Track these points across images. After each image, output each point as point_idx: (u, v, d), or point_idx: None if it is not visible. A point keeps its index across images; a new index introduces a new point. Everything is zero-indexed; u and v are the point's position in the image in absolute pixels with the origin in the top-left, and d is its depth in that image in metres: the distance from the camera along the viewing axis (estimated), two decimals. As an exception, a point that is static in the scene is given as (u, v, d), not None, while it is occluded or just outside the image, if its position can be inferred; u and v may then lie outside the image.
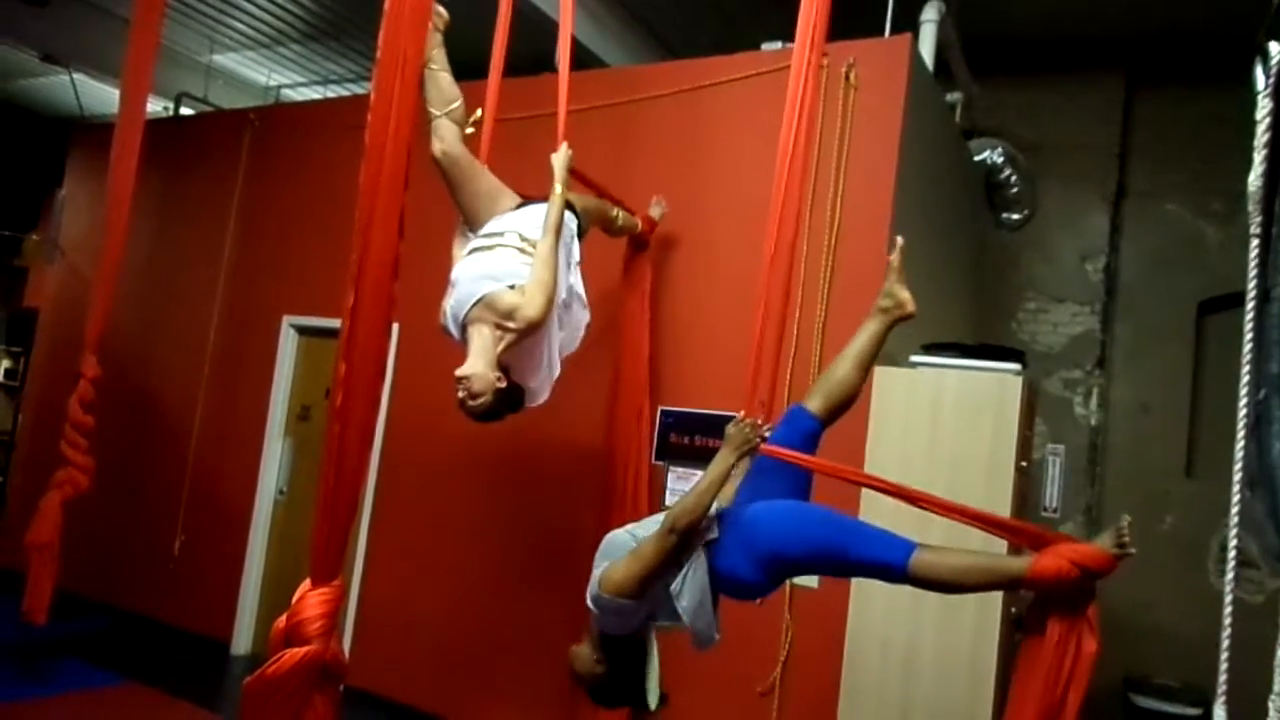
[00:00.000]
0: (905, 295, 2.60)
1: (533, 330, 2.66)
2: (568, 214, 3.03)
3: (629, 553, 2.21)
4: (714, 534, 2.22)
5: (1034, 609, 2.05)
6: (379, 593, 4.88)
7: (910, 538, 2.13)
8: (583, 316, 3.06)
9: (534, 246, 2.77)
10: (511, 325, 2.62)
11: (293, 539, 5.35)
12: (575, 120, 4.52)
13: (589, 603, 2.25)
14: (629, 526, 2.42)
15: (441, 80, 2.89)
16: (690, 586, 2.21)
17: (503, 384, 2.62)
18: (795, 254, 2.47)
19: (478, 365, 2.61)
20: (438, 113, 2.87)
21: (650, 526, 2.34)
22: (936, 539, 2.20)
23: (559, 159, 2.99)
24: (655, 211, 4.06)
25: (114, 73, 5.65)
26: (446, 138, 2.85)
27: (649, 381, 3.97)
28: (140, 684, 4.68)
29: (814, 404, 2.46)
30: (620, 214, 3.74)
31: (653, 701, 2.30)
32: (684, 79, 4.33)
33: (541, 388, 2.90)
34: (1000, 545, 2.70)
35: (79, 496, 3.40)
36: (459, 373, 2.60)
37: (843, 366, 2.49)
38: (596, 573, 2.25)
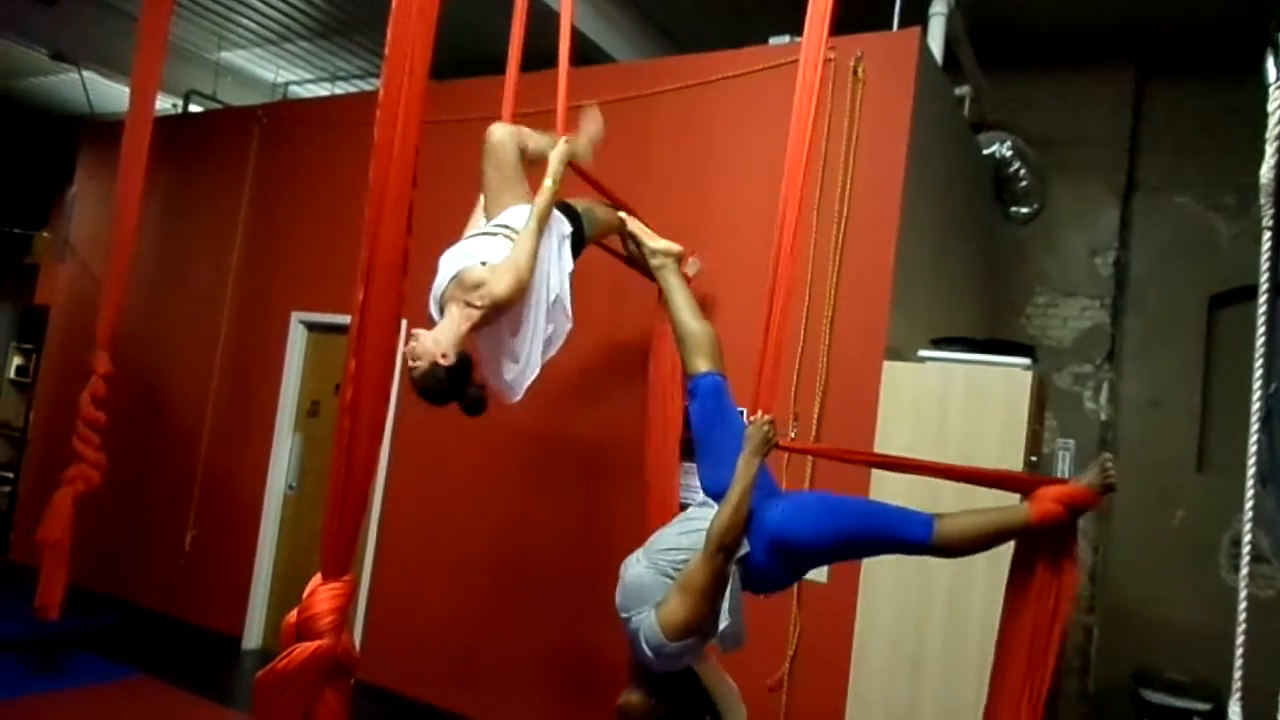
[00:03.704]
0: (663, 242, 2.84)
1: (499, 309, 2.55)
2: (561, 215, 2.95)
3: (678, 589, 2.11)
4: (746, 548, 2.17)
5: (1022, 546, 2.23)
6: (389, 587, 4.90)
7: (923, 511, 2.23)
8: (565, 325, 2.92)
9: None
10: (477, 302, 2.50)
11: (303, 534, 5.37)
12: (575, 118, 4.54)
13: (648, 653, 2.12)
14: (637, 556, 2.30)
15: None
16: (732, 600, 2.16)
17: (447, 361, 2.45)
18: (802, 254, 2.46)
19: (434, 334, 2.49)
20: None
21: (665, 547, 2.25)
22: (947, 508, 2.30)
23: (555, 154, 2.88)
24: (691, 269, 3.73)
25: (124, 70, 5.67)
26: (508, 128, 2.89)
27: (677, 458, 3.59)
28: (153, 678, 4.71)
29: (708, 364, 2.63)
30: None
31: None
32: (691, 74, 4.33)
33: (515, 383, 2.78)
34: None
35: (91, 492, 3.42)
36: (413, 331, 2.49)
37: (694, 324, 2.70)
38: (646, 620, 2.12)
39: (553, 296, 2.78)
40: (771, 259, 2.34)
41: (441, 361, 2.44)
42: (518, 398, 2.83)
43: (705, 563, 2.08)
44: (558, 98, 3.03)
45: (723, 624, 2.13)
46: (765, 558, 2.19)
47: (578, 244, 3.02)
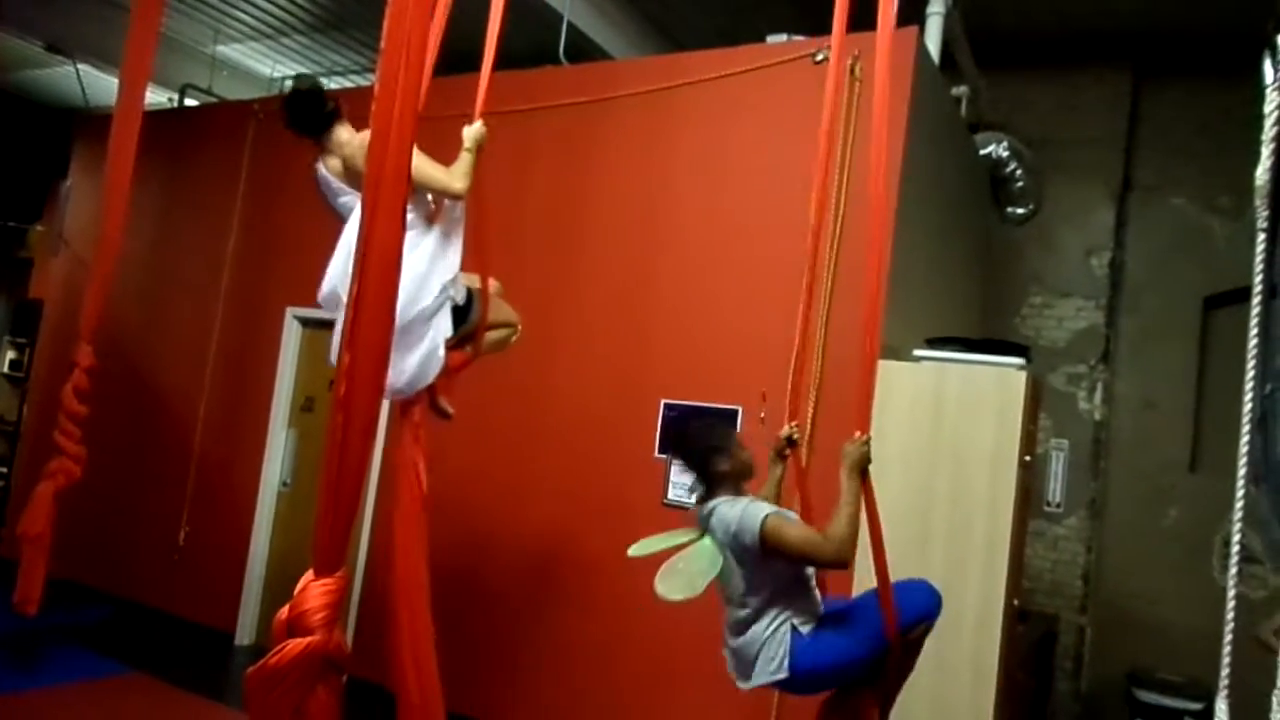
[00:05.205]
0: None
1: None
2: (464, 286, 3.11)
3: (796, 526, 2.36)
4: (785, 674, 2.35)
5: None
6: (383, 584, 4.89)
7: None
8: (433, 367, 3.04)
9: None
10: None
11: (296, 530, 5.36)
12: (574, 114, 4.54)
13: (737, 513, 2.36)
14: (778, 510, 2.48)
15: None
16: (777, 635, 2.36)
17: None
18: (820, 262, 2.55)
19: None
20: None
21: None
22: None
23: (470, 131, 3.05)
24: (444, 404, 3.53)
25: (118, 63, 5.65)
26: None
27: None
28: (144, 674, 4.70)
29: None
30: (508, 335, 3.50)
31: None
32: (681, 73, 4.32)
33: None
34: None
35: (75, 486, 3.38)
36: None
37: None
38: (756, 509, 2.34)
39: (413, 274, 2.90)
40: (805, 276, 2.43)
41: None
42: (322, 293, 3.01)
43: (818, 543, 2.27)
44: (478, 98, 3.12)
45: (751, 682, 2.37)
46: (810, 676, 2.40)
47: (460, 318, 3.11)
